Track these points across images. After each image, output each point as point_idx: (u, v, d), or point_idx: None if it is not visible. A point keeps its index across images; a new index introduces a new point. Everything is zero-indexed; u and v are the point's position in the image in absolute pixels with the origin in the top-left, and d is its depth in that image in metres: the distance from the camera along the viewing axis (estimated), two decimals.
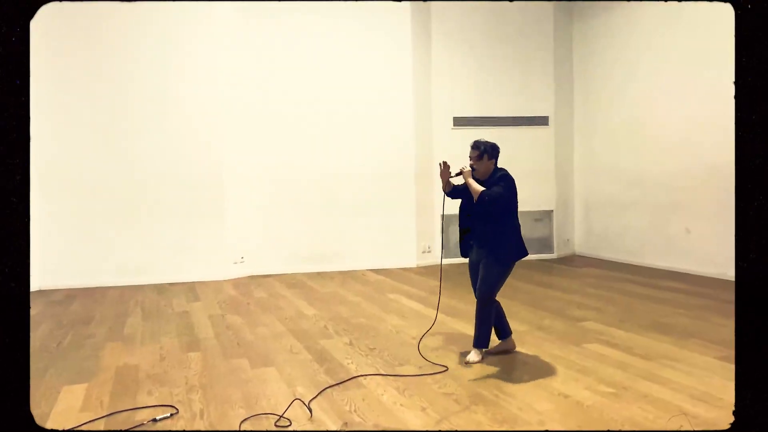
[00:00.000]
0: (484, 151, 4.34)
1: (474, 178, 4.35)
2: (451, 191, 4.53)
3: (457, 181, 4.49)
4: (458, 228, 4.61)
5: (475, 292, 4.51)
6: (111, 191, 8.17)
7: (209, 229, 8.45)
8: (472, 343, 4.50)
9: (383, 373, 4.17)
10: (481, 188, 4.22)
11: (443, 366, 4.26)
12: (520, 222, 4.44)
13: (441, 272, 5.24)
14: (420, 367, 4.27)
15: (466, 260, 4.62)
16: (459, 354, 4.57)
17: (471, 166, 4.38)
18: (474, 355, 4.41)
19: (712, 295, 6.53)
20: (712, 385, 3.79)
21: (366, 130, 9.13)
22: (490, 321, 4.45)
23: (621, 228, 9.24)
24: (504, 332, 4.63)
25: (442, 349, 4.72)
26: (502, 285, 4.43)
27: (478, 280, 4.41)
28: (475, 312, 4.48)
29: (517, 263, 4.43)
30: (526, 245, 4.48)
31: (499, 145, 4.43)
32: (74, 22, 7.99)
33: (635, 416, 3.32)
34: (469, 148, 4.42)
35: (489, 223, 4.32)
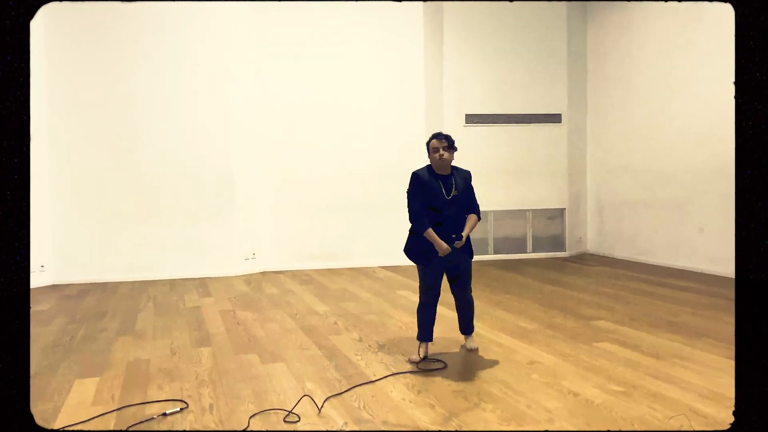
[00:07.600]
0: (452, 143, 4.43)
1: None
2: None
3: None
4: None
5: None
6: (124, 188, 8.24)
7: (221, 226, 8.50)
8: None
9: (395, 372, 4.19)
10: (474, 223, 4.37)
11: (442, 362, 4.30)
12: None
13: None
14: (422, 365, 4.29)
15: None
16: (460, 350, 4.58)
17: (441, 155, 4.37)
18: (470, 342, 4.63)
19: (724, 294, 6.47)
20: (722, 384, 3.76)
21: (378, 127, 9.13)
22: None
23: (634, 226, 9.18)
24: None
25: (445, 345, 4.73)
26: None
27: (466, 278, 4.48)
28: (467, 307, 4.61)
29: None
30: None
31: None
32: (85, 21, 8.05)
33: (644, 415, 3.31)
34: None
35: (460, 221, 4.38)
